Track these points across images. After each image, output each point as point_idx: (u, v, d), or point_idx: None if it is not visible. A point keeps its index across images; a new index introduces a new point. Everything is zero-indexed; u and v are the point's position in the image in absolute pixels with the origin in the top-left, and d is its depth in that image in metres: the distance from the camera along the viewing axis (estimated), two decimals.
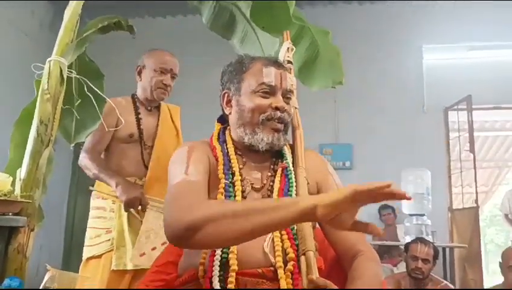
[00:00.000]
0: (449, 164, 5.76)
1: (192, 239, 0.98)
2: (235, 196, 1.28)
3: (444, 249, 4.62)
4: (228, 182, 1.30)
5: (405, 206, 5.00)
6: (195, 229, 0.97)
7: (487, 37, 5.72)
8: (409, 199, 0.87)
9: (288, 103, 1.40)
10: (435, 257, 3.17)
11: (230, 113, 1.44)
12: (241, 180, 1.32)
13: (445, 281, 3.26)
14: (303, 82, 2.18)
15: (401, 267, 4.69)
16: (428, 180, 4.95)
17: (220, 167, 1.33)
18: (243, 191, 1.31)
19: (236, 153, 1.40)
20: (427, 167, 5.05)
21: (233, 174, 1.33)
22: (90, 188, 2.27)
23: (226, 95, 1.44)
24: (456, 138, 5.71)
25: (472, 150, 5.22)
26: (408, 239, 4.71)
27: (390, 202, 5.37)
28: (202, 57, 5.52)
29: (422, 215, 4.78)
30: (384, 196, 0.90)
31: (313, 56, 2.14)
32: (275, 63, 1.42)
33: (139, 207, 2.07)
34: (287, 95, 1.40)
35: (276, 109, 1.35)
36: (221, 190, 1.28)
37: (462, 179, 5.59)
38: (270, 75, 1.37)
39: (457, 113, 5.65)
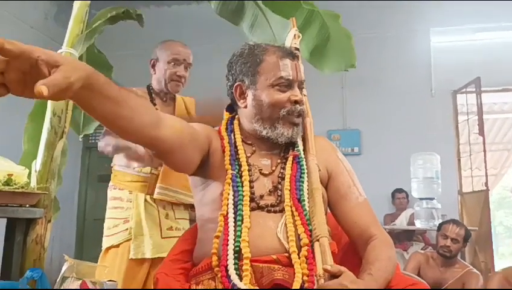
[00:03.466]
0: (458, 147, 5.74)
1: None
2: (242, 186, 1.29)
3: None
4: (235, 172, 1.32)
5: (415, 190, 5.00)
6: None
7: (495, 18, 5.66)
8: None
9: (301, 94, 1.40)
10: (466, 239, 3.32)
11: (245, 107, 1.42)
12: (249, 170, 1.34)
13: (471, 266, 3.34)
14: (315, 66, 2.17)
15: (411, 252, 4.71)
16: (438, 164, 4.94)
17: (227, 158, 1.35)
18: (250, 181, 1.32)
19: (245, 143, 1.41)
20: (436, 151, 5.04)
21: (240, 164, 1.34)
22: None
23: (239, 87, 1.42)
24: (464, 121, 5.68)
25: (481, 132, 5.19)
26: (419, 223, 4.73)
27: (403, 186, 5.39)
28: (207, 45, 5.51)
29: (432, 199, 4.78)
30: None
31: (324, 40, 2.13)
32: (290, 54, 1.41)
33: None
34: (301, 86, 1.41)
35: (295, 102, 1.36)
36: (229, 181, 1.30)
37: (471, 162, 5.57)
38: (287, 68, 1.36)
39: (465, 96, 5.63)
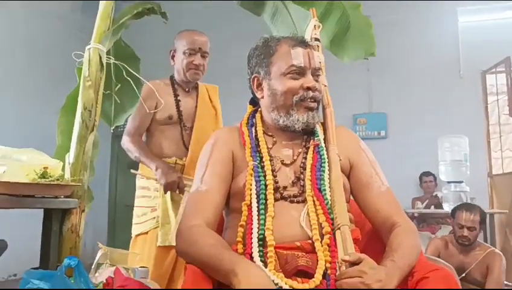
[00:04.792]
0: (488, 129, 5.62)
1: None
2: (265, 176, 1.34)
3: None
4: (256, 163, 1.36)
5: (442, 174, 4.95)
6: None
7: None
8: None
9: (317, 81, 1.43)
10: (482, 221, 3.22)
11: (262, 97, 1.48)
12: (270, 160, 1.38)
13: (492, 247, 3.27)
14: (335, 54, 2.17)
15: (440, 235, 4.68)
16: (466, 146, 4.87)
17: (247, 151, 1.40)
18: (273, 170, 1.36)
19: (266, 134, 1.46)
20: (465, 133, 4.95)
21: (261, 156, 1.39)
22: (132, 171, 2.36)
23: (256, 79, 1.48)
24: (494, 102, 5.56)
25: None
26: (447, 207, 4.68)
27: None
28: (228, 34, 5.52)
29: (461, 182, 4.72)
30: None
31: (344, 28, 2.12)
32: (302, 42, 1.44)
33: (177, 191, 2.16)
34: (316, 73, 1.43)
35: (308, 89, 1.39)
36: (251, 171, 1.34)
37: (501, 143, 5.46)
38: (299, 56, 1.40)
39: (495, 76, 5.49)
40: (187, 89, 2.36)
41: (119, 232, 6.32)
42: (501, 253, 3.20)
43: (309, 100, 1.40)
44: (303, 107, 1.40)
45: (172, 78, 2.38)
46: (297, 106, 1.40)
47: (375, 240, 1.39)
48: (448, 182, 4.80)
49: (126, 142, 2.29)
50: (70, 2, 5.94)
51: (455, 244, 3.23)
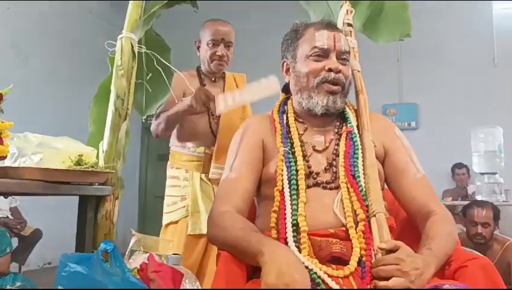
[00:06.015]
0: None
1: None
2: (296, 161, 1.33)
3: None
4: (287, 149, 1.36)
5: (476, 165, 4.83)
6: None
7: None
8: None
9: (344, 64, 1.40)
10: (496, 217, 3.06)
11: (289, 81, 1.49)
12: (301, 146, 1.37)
13: (509, 239, 3.12)
14: (368, 36, 2.12)
15: None
16: (500, 137, 4.74)
17: (278, 137, 1.40)
18: (304, 156, 1.35)
19: (297, 121, 1.45)
20: (499, 123, 4.83)
21: (292, 142, 1.38)
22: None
23: (285, 64, 1.50)
24: None
25: None
26: (480, 199, 4.57)
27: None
28: (256, 24, 5.50)
29: (495, 173, 4.61)
30: None
31: (378, 10, 2.07)
32: (327, 25, 1.43)
33: (208, 102, 2.09)
34: (342, 56, 1.40)
35: (330, 70, 1.37)
36: (281, 157, 1.34)
37: None
38: (322, 38, 1.38)
39: None
40: (213, 79, 2.36)
41: (149, 223, 6.43)
42: None
43: (331, 83, 1.37)
44: (323, 90, 1.38)
45: (198, 68, 2.38)
46: (318, 88, 1.38)
47: (409, 228, 1.38)
48: (482, 174, 4.69)
49: (153, 123, 2.29)
50: None
51: (470, 245, 3.04)
